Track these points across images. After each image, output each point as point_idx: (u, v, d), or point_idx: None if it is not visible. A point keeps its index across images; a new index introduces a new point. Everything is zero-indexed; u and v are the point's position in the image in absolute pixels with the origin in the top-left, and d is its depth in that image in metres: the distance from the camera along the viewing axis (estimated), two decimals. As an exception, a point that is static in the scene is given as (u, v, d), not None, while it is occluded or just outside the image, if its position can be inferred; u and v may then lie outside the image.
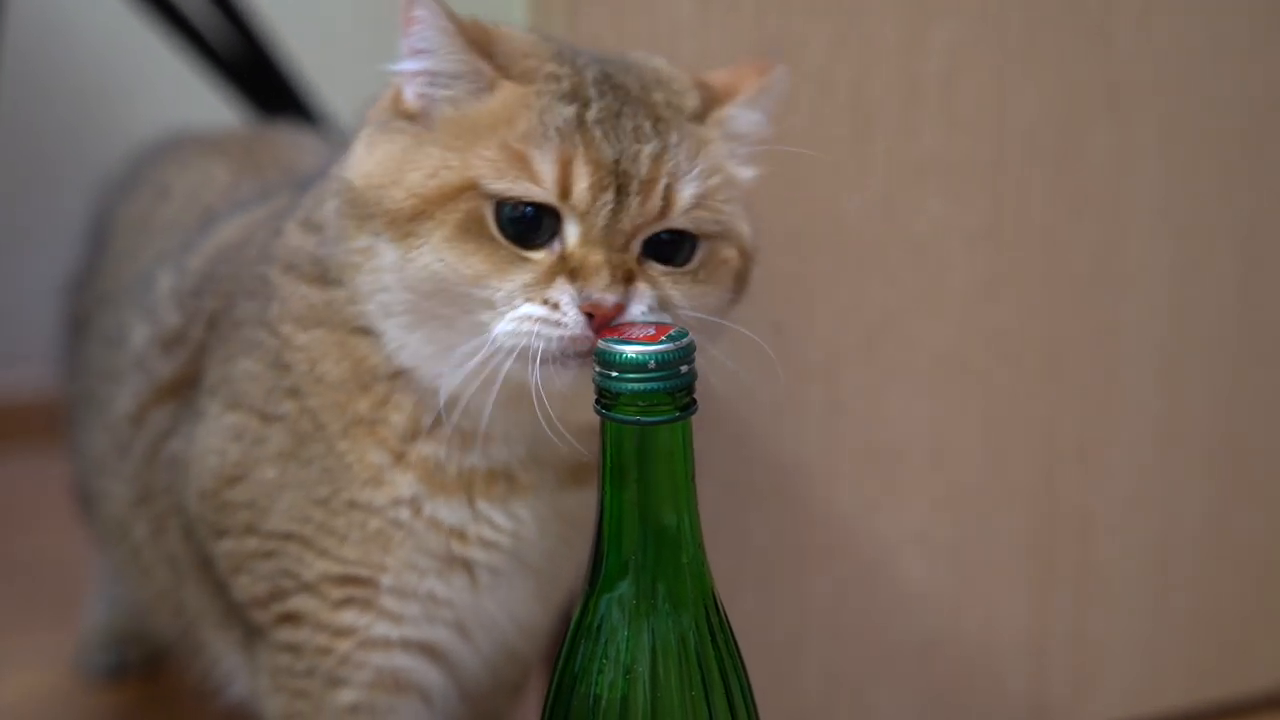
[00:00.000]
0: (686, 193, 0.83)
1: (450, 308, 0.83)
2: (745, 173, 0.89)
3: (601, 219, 0.81)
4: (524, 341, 0.80)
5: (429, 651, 0.93)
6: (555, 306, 0.80)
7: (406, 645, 0.92)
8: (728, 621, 0.79)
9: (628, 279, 0.81)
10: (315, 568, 0.90)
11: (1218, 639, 1.28)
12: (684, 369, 0.74)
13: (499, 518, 0.90)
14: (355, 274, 0.86)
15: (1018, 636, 1.22)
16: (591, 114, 0.83)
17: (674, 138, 0.84)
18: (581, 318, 0.80)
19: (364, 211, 0.85)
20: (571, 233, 0.81)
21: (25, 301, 1.57)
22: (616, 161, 0.82)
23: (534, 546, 0.91)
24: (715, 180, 0.85)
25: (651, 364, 0.73)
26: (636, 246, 0.83)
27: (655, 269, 0.83)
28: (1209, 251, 1.19)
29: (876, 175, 1.10)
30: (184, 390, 0.98)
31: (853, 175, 1.10)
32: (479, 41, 0.85)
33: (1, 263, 1.85)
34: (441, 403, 0.86)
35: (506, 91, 0.84)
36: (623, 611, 0.76)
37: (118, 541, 1.08)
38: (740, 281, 0.88)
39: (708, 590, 0.78)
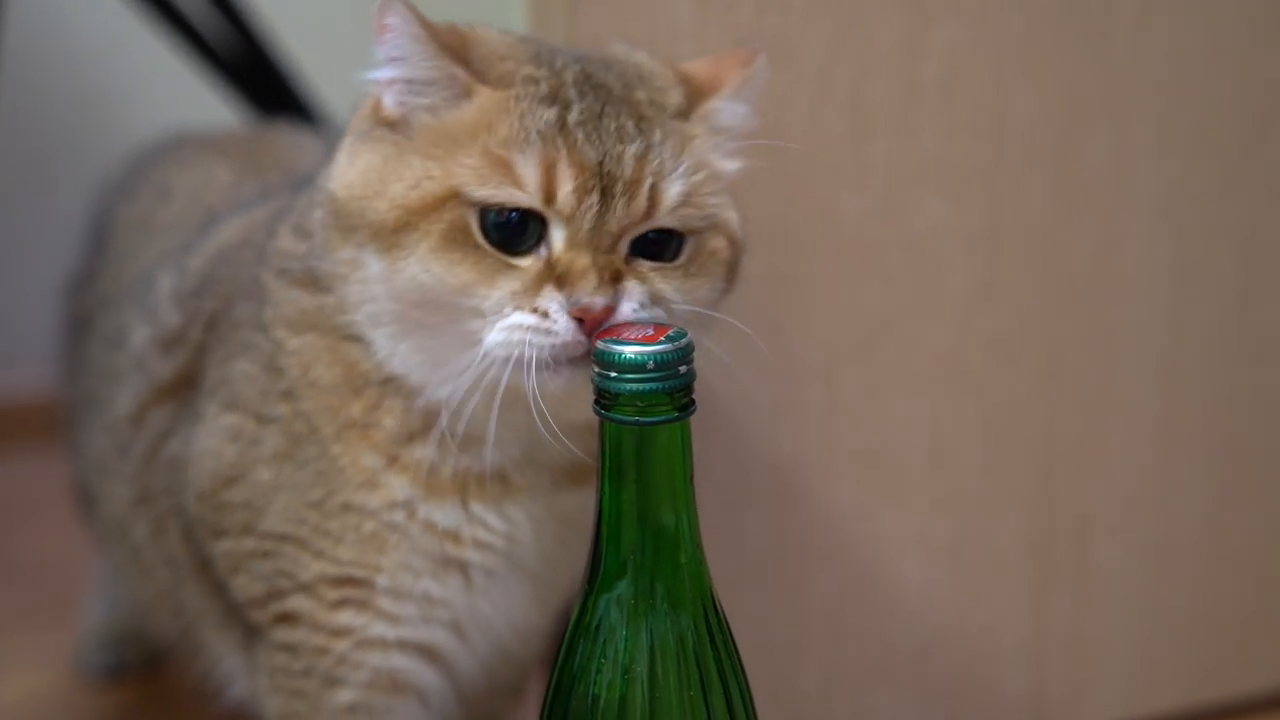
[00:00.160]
0: (672, 192, 0.83)
1: (438, 317, 0.83)
2: (731, 165, 0.88)
3: (587, 222, 0.81)
4: (516, 351, 0.80)
5: (426, 652, 0.93)
6: (545, 315, 0.80)
7: (403, 646, 0.92)
8: (726, 622, 0.79)
9: (616, 279, 0.81)
10: (311, 569, 0.90)
11: (1217, 640, 1.28)
12: (683, 369, 0.74)
13: (493, 519, 0.90)
14: (342, 284, 0.86)
15: (1017, 637, 1.22)
16: (573, 116, 0.82)
17: (657, 136, 0.84)
18: (572, 323, 0.79)
19: (348, 223, 0.84)
20: (557, 237, 0.81)
21: (25, 302, 1.58)
22: (600, 163, 0.81)
23: (529, 548, 0.91)
24: (700, 176, 0.85)
25: (650, 364, 0.73)
26: (624, 247, 0.82)
27: (644, 265, 0.83)
28: (1208, 252, 1.19)
29: (875, 176, 1.10)
30: (183, 390, 0.98)
31: (852, 176, 1.10)
32: (453, 47, 0.84)
33: (1, 263, 1.85)
34: (434, 408, 0.86)
35: (484, 97, 0.83)
36: (621, 611, 0.76)
37: (118, 542, 1.08)
38: (731, 271, 0.88)
39: (706, 590, 0.78)
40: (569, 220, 0.81)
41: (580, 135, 0.82)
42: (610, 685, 0.76)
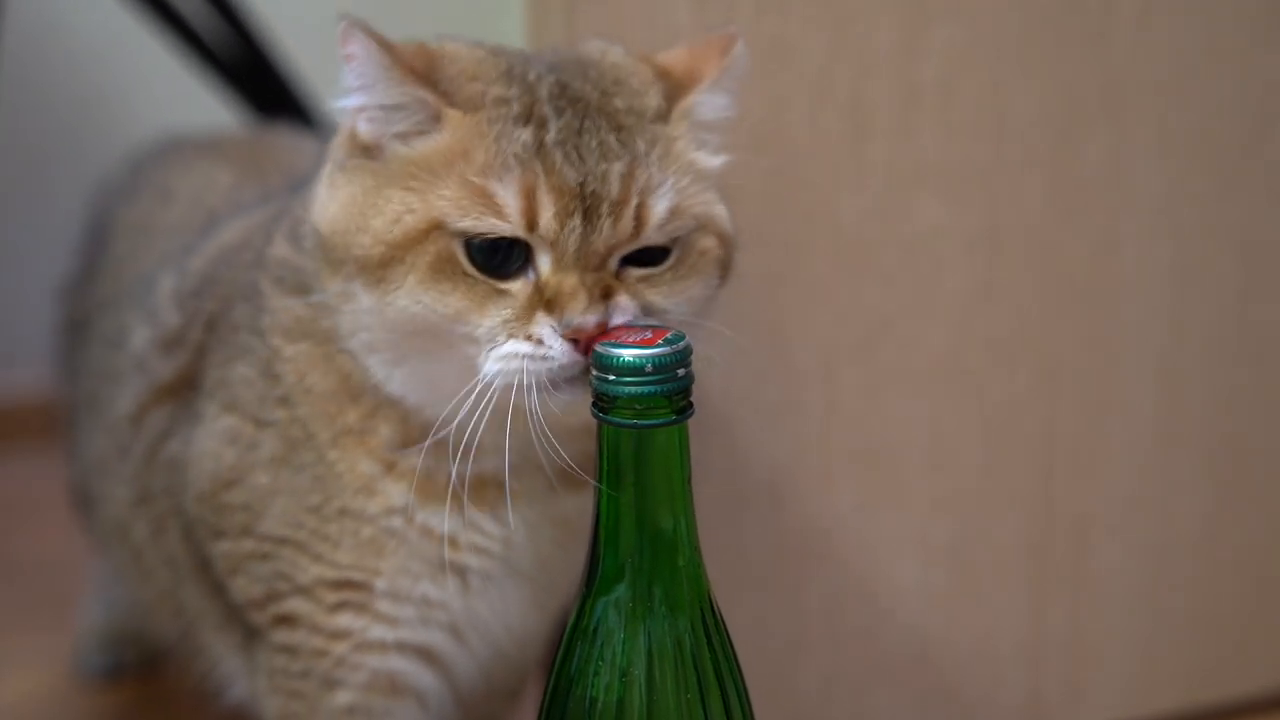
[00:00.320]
0: (659, 209, 0.82)
1: (433, 344, 0.82)
2: (715, 160, 0.87)
3: (572, 244, 0.80)
4: (514, 379, 0.79)
5: (424, 654, 0.93)
6: (539, 341, 0.79)
7: (402, 648, 0.92)
8: (724, 625, 0.79)
9: (606, 295, 0.80)
10: (310, 572, 0.90)
11: (1216, 641, 1.28)
12: (681, 372, 0.73)
13: (489, 524, 0.89)
14: (335, 315, 0.86)
15: (1016, 637, 1.22)
16: (550, 135, 0.81)
17: (641, 147, 0.83)
18: (567, 346, 0.79)
19: (334, 257, 0.84)
20: (544, 260, 0.80)
21: (25, 302, 1.58)
22: (582, 184, 0.80)
23: (525, 552, 0.91)
24: (685, 180, 0.84)
25: (648, 368, 0.73)
26: (613, 263, 0.81)
27: (634, 275, 0.82)
28: (1208, 252, 1.19)
29: (875, 177, 1.10)
30: (183, 391, 0.98)
31: (851, 177, 1.10)
32: (420, 69, 0.83)
33: (1, 263, 1.85)
34: (432, 420, 0.85)
35: (456, 122, 0.82)
36: (619, 614, 0.76)
37: (118, 543, 1.08)
38: (724, 268, 0.87)
39: (704, 593, 0.78)
40: (553, 245, 0.80)
41: (559, 156, 0.80)
42: (608, 688, 0.76)
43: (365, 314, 0.83)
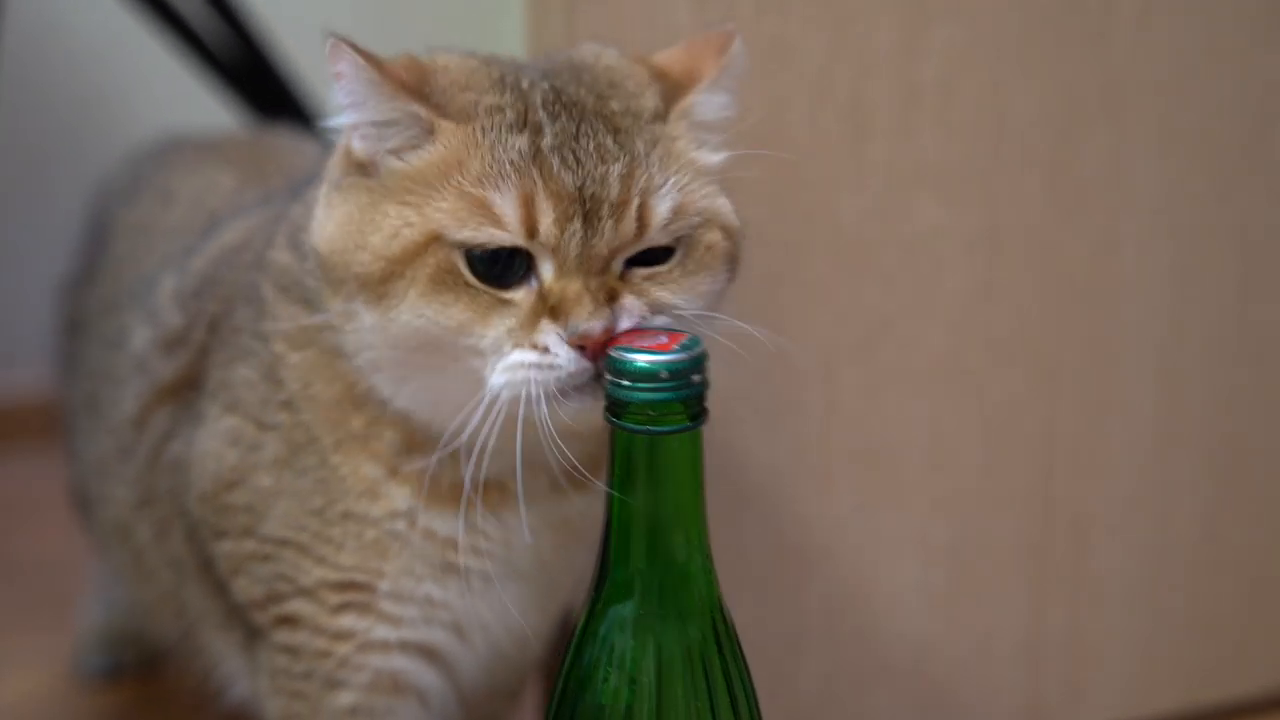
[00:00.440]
0: (661, 209, 0.81)
1: (439, 358, 0.82)
2: (717, 158, 0.86)
3: (573, 249, 0.79)
4: (522, 390, 0.78)
5: (427, 653, 0.92)
6: (545, 350, 0.78)
7: (405, 647, 0.92)
8: (735, 632, 0.78)
9: (612, 298, 0.79)
10: (312, 574, 0.90)
11: (1215, 640, 1.28)
12: (695, 378, 0.73)
13: (491, 526, 0.89)
14: (339, 335, 0.85)
15: (1015, 638, 1.22)
16: (546, 141, 0.80)
17: (640, 148, 0.82)
18: (574, 353, 0.78)
19: (335, 277, 0.83)
20: (546, 267, 0.80)
21: (25, 302, 1.58)
22: (580, 188, 0.79)
23: (527, 554, 0.90)
24: (687, 178, 0.83)
25: (663, 373, 0.72)
26: (618, 265, 0.81)
27: (639, 274, 0.81)
28: (1207, 253, 1.19)
29: (875, 177, 1.10)
30: (185, 392, 0.98)
31: (851, 177, 1.10)
32: (410, 84, 0.82)
33: (1, 263, 1.85)
34: (438, 429, 0.85)
35: (449, 133, 0.81)
36: (629, 621, 0.76)
37: (119, 544, 1.07)
38: (732, 261, 0.86)
39: (715, 599, 0.77)
40: (554, 251, 0.79)
41: (555, 161, 0.80)
42: (616, 694, 0.75)
43: (369, 332, 0.83)
